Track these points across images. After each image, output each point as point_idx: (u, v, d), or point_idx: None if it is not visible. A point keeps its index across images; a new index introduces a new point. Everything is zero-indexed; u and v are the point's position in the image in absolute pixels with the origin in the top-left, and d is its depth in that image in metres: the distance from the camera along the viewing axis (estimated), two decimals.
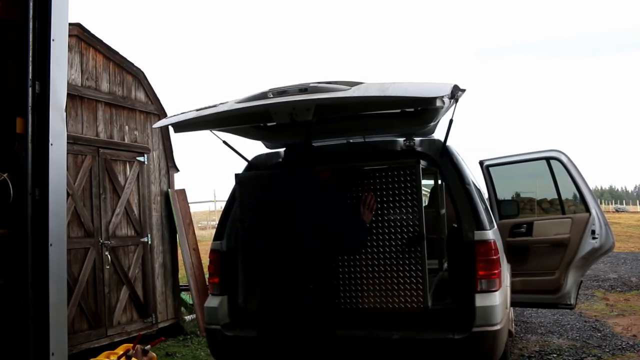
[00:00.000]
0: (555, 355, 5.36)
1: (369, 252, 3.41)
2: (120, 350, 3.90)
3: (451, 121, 3.43)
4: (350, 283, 3.46)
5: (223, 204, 5.18)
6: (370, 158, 3.70)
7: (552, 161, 5.52)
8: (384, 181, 3.40)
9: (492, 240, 3.41)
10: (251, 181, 3.75)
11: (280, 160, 4.11)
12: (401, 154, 3.80)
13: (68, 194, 5.28)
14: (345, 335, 3.43)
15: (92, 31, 5.86)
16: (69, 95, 4.33)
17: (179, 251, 6.92)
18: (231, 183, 4.17)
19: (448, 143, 3.67)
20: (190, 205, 7.22)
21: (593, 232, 5.17)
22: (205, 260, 4.84)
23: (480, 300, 3.28)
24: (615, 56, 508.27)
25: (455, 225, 3.68)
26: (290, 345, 3.06)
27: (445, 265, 4.42)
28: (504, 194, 6.01)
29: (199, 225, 28.48)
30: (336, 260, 3.44)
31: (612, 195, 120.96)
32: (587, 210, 5.24)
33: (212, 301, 3.91)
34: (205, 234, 23.59)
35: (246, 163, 4.21)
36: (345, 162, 3.71)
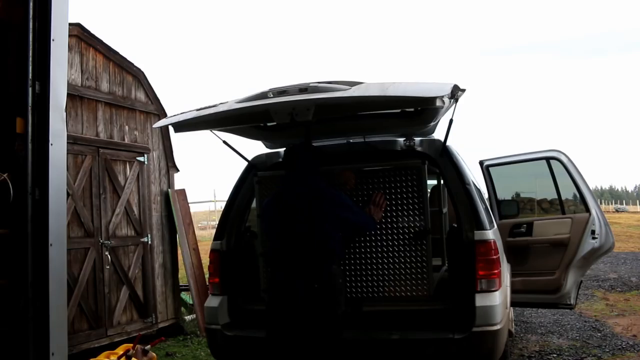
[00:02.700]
0: (555, 355, 5.36)
1: (380, 245, 3.56)
2: (120, 350, 3.90)
3: (451, 121, 3.44)
4: (362, 274, 3.59)
5: (223, 204, 5.19)
6: (377, 159, 3.78)
7: (552, 161, 5.52)
8: (393, 180, 3.55)
9: (492, 240, 3.42)
10: (270, 181, 3.82)
11: (281, 160, 4.12)
12: (401, 154, 3.81)
13: (68, 194, 5.28)
14: (345, 336, 3.43)
15: (92, 31, 5.87)
16: (69, 95, 4.33)
17: (179, 251, 6.92)
18: (231, 183, 4.19)
19: (448, 143, 3.67)
20: (190, 205, 7.23)
21: (593, 232, 5.17)
22: (205, 260, 4.84)
23: (480, 300, 3.29)
24: (616, 57, 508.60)
25: (455, 225, 3.69)
26: (298, 345, 3.08)
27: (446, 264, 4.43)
28: (504, 194, 6.01)
29: (199, 225, 28.51)
30: (350, 255, 3.58)
31: (612, 195, 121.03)
32: (587, 210, 5.23)
33: (212, 301, 3.92)
34: (205, 234, 23.61)
35: (246, 163, 4.21)
36: (349, 162, 3.76)
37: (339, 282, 3.20)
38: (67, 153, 3.62)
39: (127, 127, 6.31)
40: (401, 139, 3.89)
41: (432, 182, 4.86)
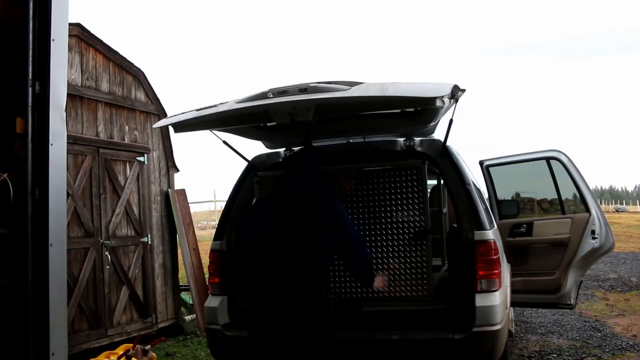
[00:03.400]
0: (555, 355, 5.36)
1: (380, 245, 3.55)
2: (120, 350, 3.90)
3: (451, 121, 3.44)
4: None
5: (223, 204, 5.19)
6: (377, 159, 3.77)
7: (552, 161, 5.52)
8: (393, 180, 3.55)
9: (492, 240, 3.42)
10: (270, 181, 3.81)
11: (280, 160, 4.12)
12: (401, 154, 3.81)
13: (68, 194, 5.28)
14: (345, 336, 3.44)
15: (92, 31, 5.87)
16: (69, 95, 4.33)
17: (179, 251, 6.93)
18: (231, 183, 4.19)
19: (448, 143, 3.67)
20: (190, 205, 7.23)
21: (593, 232, 5.17)
22: (205, 260, 4.84)
23: (480, 300, 3.29)
24: (616, 57, 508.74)
25: (455, 225, 3.69)
26: (289, 346, 3.04)
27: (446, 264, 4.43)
28: (504, 194, 6.02)
29: (199, 225, 28.53)
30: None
31: (612, 195, 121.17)
32: (587, 210, 5.23)
33: (212, 301, 3.92)
34: (205, 234, 23.62)
35: (246, 163, 4.21)
36: (349, 162, 3.76)
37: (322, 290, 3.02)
38: (67, 153, 3.62)
39: (127, 127, 6.31)
40: (401, 139, 3.89)
41: (432, 182, 4.86)
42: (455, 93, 2.93)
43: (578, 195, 5.38)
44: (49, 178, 2.09)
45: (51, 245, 2.08)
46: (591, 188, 5.47)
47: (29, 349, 2.01)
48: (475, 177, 4.38)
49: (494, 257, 3.38)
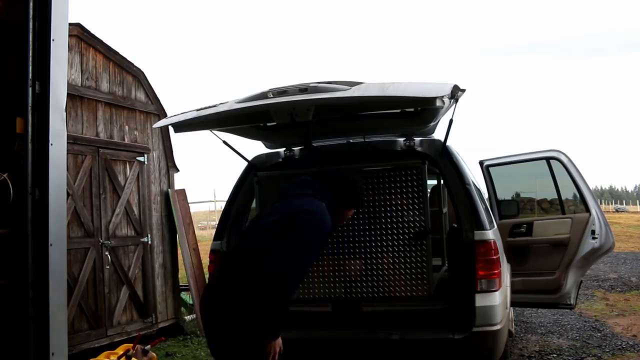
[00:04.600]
0: (555, 355, 5.36)
1: (380, 245, 3.56)
2: (120, 350, 3.90)
3: (451, 121, 3.44)
4: (362, 274, 3.60)
5: (223, 204, 5.19)
6: (377, 159, 3.78)
7: (552, 161, 5.52)
8: (393, 180, 3.56)
9: (492, 240, 3.42)
10: (270, 181, 3.82)
11: (280, 160, 4.12)
12: (401, 154, 3.82)
13: (68, 194, 5.28)
14: (346, 336, 3.44)
15: (92, 31, 5.87)
16: (69, 95, 4.33)
17: (179, 251, 6.93)
18: (231, 183, 4.20)
19: (448, 143, 3.67)
20: (190, 205, 7.23)
21: (593, 232, 5.17)
22: (205, 260, 4.84)
23: (480, 300, 3.29)
24: (616, 57, 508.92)
25: (455, 225, 3.70)
26: None
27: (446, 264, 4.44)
28: (504, 194, 6.02)
29: (199, 225, 28.56)
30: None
31: (612, 195, 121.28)
32: (587, 210, 5.24)
33: None
34: (205, 234, 23.64)
35: (246, 163, 4.21)
36: (349, 162, 3.77)
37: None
38: (67, 153, 3.62)
39: (127, 127, 6.31)
40: (401, 139, 3.89)
41: (432, 182, 4.86)
42: (455, 93, 2.93)
43: (578, 195, 5.38)
44: (49, 178, 2.09)
45: (51, 245, 2.08)
46: (591, 188, 5.48)
47: (29, 349, 2.01)
48: (475, 177, 4.38)
49: (494, 257, 3.39)
